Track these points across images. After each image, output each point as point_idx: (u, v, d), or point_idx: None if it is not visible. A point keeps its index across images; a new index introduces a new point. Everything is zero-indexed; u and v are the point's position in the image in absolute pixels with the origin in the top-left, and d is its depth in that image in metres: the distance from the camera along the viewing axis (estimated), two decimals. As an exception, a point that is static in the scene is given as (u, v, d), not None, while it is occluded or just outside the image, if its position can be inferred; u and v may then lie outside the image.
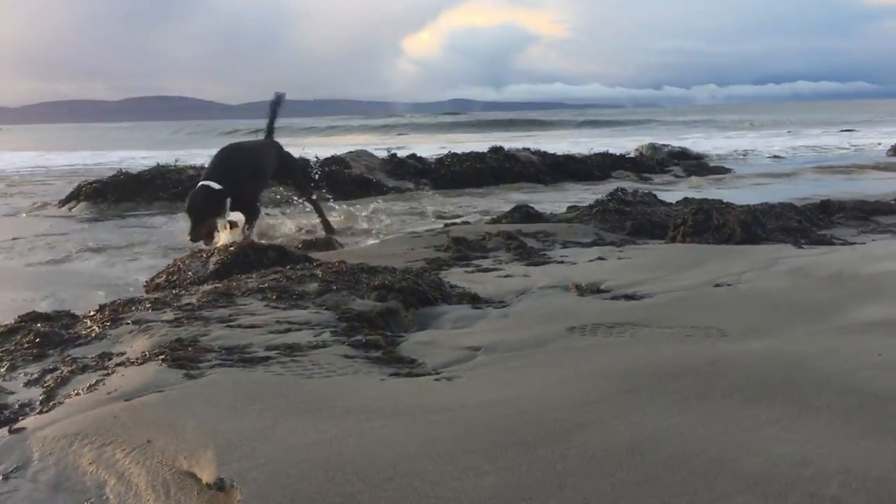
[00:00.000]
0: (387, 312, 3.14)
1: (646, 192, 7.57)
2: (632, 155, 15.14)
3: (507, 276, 4.10)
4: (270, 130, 7.27)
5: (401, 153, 13.36)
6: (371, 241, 6.67)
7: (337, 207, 8.34)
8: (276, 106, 7.34)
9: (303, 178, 7.86)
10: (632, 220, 6.00)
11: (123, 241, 7.24)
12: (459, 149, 14.88)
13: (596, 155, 14.30)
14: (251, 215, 6.15)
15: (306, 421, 2.02)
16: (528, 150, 14.05)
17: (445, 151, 14.14)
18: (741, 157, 18.68)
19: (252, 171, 6.46)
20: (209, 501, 1.70)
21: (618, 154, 14.76)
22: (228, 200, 5.85)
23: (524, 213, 6.63)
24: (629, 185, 9.85)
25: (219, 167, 6.18)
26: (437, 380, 2.37)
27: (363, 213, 8.27)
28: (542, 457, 1.74)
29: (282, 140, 7.58)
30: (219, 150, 6.57)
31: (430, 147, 22.46)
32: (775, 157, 18.49)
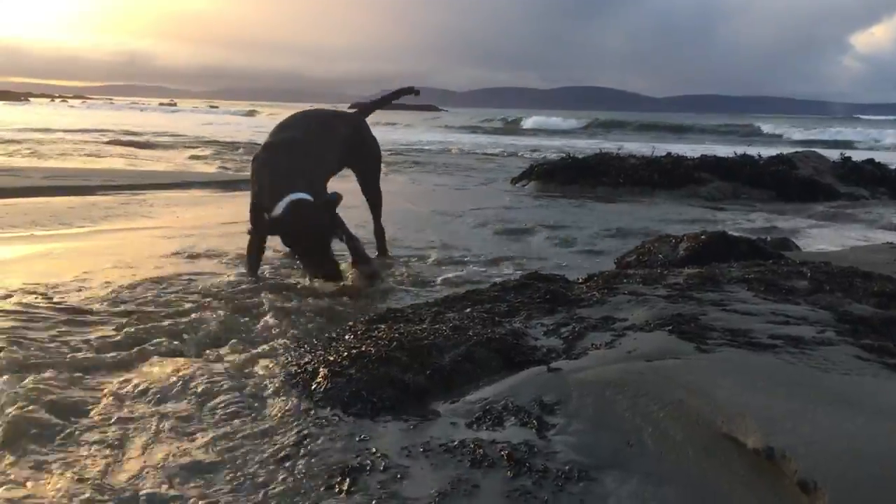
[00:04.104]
0: (890, 321, 2.95)
1: None
2: None
3: None
4: (368, 108, 5.46)
5: (855, 157, 12.23)
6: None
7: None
8: (401, 94, 5.76)
9: (375, 178, 5.35)
10: None
11: (571, 219, 7.82)
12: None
13: None
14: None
15: (836, 413, 2.01)
16: None
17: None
18: None
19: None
20: (754, 466, 1.81)
21: None
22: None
23: None
24: None
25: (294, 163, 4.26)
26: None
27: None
28: None
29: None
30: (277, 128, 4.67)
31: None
32: None
